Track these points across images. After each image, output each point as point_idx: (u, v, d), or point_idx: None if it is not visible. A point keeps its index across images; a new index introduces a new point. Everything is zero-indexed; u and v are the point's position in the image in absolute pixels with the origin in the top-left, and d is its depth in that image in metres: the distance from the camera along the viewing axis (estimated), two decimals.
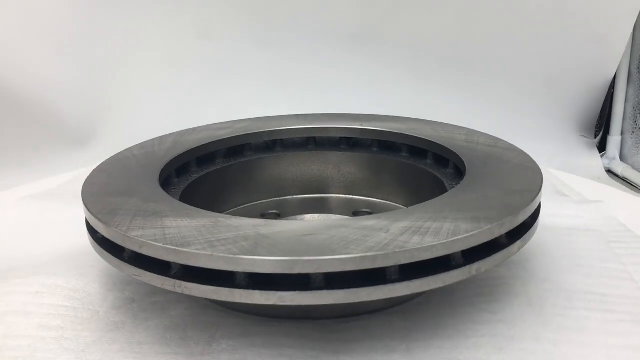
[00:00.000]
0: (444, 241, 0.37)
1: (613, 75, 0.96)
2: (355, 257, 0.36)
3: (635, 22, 0.92)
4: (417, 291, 0.38)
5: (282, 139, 0.69)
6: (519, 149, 0.57)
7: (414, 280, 0.38)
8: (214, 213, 0.44)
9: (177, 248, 0.38)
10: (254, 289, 0.38)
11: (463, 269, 0.39)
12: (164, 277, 0.40)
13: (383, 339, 0.42)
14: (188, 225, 0.42)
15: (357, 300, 0.37)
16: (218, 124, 0.70)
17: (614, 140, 1.00)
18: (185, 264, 0.39)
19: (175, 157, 0.60)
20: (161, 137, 0.65)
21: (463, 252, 0.39)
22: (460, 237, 0.38)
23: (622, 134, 1.00)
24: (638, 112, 0.96)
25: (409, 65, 0.96)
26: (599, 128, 1.01)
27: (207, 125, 0.70)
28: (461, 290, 0.48)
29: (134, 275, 0.42)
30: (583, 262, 0.51)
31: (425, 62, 0.96)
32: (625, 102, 0.98)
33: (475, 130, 0.65)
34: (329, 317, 0.46)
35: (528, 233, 0.44)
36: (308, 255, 0.37)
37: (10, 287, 0.50)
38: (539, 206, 0.48)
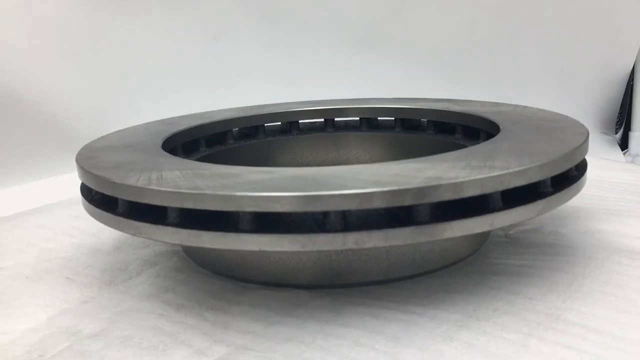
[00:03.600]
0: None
1: (631, 69, 0.92)
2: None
3: None
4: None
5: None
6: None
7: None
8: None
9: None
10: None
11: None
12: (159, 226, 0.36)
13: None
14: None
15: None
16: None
17: (636, 137, 0.96)
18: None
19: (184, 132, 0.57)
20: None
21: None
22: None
23: None
24: None
25: (420, 62, 0.93)
26: (620, 124, 0.97)
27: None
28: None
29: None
30: None
31: (438, 59, 0.93)
32: None
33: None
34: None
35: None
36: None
37: None
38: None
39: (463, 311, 0.36)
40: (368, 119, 0.67)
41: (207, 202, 0.34)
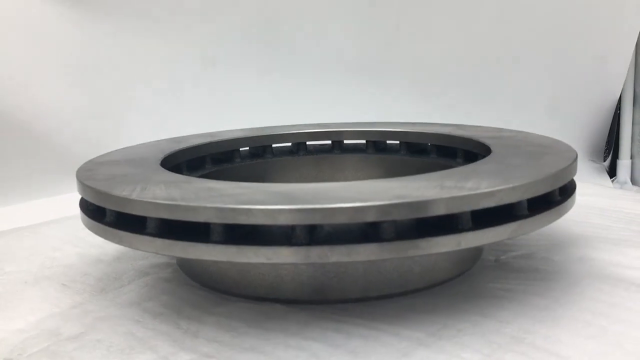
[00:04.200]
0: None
1: (618, 97, 0.94)
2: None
3: (637, 43, 0.91)
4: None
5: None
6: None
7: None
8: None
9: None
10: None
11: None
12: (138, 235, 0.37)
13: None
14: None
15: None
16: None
17: (623, 164, 0.97)
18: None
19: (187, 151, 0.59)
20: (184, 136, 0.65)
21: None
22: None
23: (631, 157, 0.97)
24: None
25: (412, 91, 0.95)
26: (608, 152, 0.98)
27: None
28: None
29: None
30: None
31: (428, 88, 0.95)
32: (633, 124, 0.96)
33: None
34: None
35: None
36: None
37: None
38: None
39: (428, 330, 0.36)
40: (374, 141, 0.67)
41: (179, 212, 0.36)
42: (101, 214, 0.41)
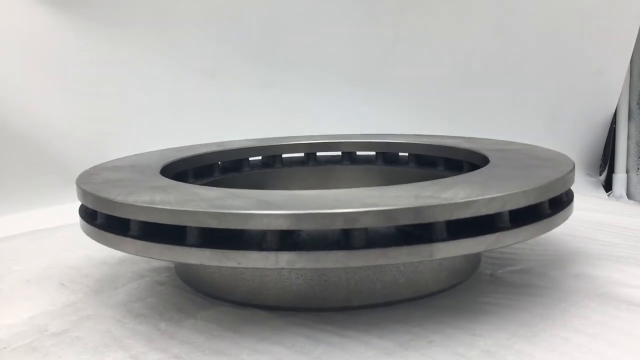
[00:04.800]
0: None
1: (614, 111, 0.95)
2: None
3: (632, 58, 0.92)
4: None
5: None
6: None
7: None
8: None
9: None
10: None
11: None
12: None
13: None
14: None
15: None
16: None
17: (619, 178, 0.97)
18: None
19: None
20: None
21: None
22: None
23: (627, 171, 0.97)
24: None
25: (409, 103, 0.95)
26: (603, 166, 0.98)
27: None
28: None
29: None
30: None
31: (426, 100, 0.95)
32: (628, 139, 0.96)
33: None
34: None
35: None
36: None
37: None
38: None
39: (398, 340, 0.35)
40: (383, 153, 0.67)
41: (156, 215, 0.37)
42: (93, 216, 0.43)
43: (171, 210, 0.36)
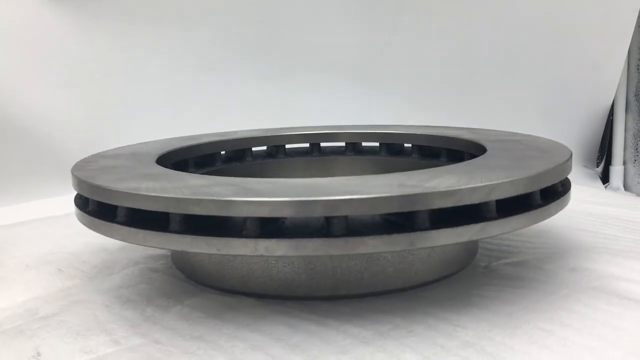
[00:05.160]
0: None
1: (611, 103, 0.95)
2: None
3: (629, 50, 0.92)
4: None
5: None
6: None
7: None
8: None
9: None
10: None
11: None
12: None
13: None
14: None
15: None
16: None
17: (616, 170, 0.97)
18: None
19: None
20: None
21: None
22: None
23: (624, 163, 0.98)
24: (639, 140, 0.95)
25: (407, 96, 0.95)
26: (600, 158, 0.98)
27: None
28: None
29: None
30: None
31: (423, 94, 0.95)
32: (625, 131, 0.97)
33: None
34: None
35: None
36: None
37: None
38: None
39: (378, 330, 0.35)
40: (387, 144, 0.67)
41: (140, 202, 0.37)
42: (86, 203, 0.43)
43: (154, 197, 0.36)
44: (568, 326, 0.35)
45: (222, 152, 0.64)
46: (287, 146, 0.68)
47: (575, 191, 0.46)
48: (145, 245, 0.37)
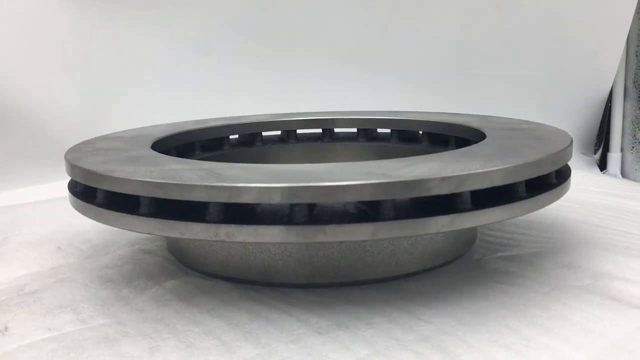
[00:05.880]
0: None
1: (609, 90, 0.94)
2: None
3: (628, 37, 0.91)
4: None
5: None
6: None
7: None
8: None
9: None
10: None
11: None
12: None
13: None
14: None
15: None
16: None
17: (614, 157, 0.96)
18: None
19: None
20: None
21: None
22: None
23: (622, 150, 0.96)
24: (637, 127, 0.93)
25: (403, 81, 0.94)
26: (598, 145, 0.97)
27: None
28: None
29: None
30: None
31: (420, 80, 0.94)
32: (623, 117, 0.95)
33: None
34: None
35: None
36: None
37: None
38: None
39: (338, 320, 0.34)
40: (399, 131, 0.65)
41: (112, 184, 0.37)
42: (74, 185, 0.44)
43: (123, 179, 0.36)
44: (537, 325, 0.33)
45: (230, 137, 0.64)
46: (298, 131, 0.68)
47: (576, 177, 0.44)
48: (117, 227, 0.38)
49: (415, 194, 0.34)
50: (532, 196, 0.38)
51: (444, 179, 0.34)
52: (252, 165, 0.39)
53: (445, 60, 0.94)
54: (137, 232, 0.37)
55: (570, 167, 0.44)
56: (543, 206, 0.39)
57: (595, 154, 0.97)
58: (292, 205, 0.34)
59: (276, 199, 0.33)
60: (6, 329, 0.35)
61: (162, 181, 0.35)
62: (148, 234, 0.37)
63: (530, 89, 0.95)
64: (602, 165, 0.97)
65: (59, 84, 0.87)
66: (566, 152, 0.42)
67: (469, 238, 0.48)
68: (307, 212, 0.34)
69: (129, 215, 0.37)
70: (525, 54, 0.94)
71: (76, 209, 0.42)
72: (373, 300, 0.37)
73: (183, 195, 0.34)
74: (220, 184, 0.34)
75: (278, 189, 0.33)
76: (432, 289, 0.39)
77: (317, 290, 0.40)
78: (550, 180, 0.41)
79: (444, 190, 0.34)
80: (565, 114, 0.94)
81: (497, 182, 0.36)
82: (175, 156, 0.48)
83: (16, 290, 0.42)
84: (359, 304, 0.37)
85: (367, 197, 0.33)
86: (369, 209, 0.34)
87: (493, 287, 0.39)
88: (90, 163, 0.41)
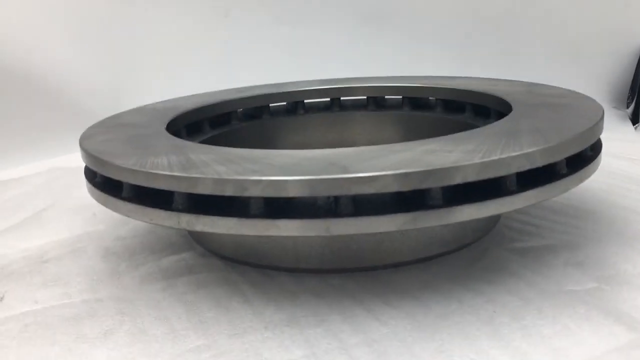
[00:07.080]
0: None
1: None
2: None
3: None
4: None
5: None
6: None
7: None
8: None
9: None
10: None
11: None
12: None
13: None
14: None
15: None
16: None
17: None
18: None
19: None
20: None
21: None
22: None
23: None
24: None
25: (427, 39, 0.90)
26: (631, 98, 0.91)
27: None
28: None
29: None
30: None
31: (447, 34, 0.90)
32: None
33: None
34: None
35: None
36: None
37: None
38: None
39: (293, 314, 0.34)
40: (410, 98, 0.63)
41: (100, 167, 0.39)
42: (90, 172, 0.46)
43: (105, 161, 0.38)
44: (500, 334, 0.31)
45: (239, 110, 0.63)
46: (306, 101, 0.66)
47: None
48: (106, 207, 0.39)
49: (372, 189, 0.32)
50: (519, 192, 0.35)
51: (405, 174, 0.32)
52: (228, 151, 0.38)
53: (466, 18, 0.91)
54: (119, 214, 0.38)
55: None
56: (526, 204, 0.35)
57: (627, 107, 0.91)
58: (247, 198, 0.33)
59: (228, 192, 0.33)
60: (2, 298, 0.38)
61: (134, 168, 0.36)
62: (127, 216, 0.38)
63: (561, 41, 0.91)
64: (635, 119, 0.91)
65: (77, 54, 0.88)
66: (598, 126, 0.38)
67: (482, 225, 0.45)
68: (262, 205, 0.33)
69: (112, 198, 0.39)
70: (554, 6, 0.90)
71: (86, 185, 0.45)
72: (342, 294, 0.36)
73: (149, 182, 0.35)
74: (179, 174, 0.34)
75: (230, 182, 0.33)
76: (410, 285, 0.37)
77: (301, 275, 0.40)
78: (532, 175, 0.36)
79: (403, 187, 0.32)
80: (597, 67, 0.91)
81: (471, 177, 0.33)
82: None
83: (36, 258, 0.45)
84: (324, 298, 0.36)
85: (317, 193, 0.32)
86: (325, 204, 0.33)
87: (475, 287, 0.36)
88: (94, 144, 0.43)
